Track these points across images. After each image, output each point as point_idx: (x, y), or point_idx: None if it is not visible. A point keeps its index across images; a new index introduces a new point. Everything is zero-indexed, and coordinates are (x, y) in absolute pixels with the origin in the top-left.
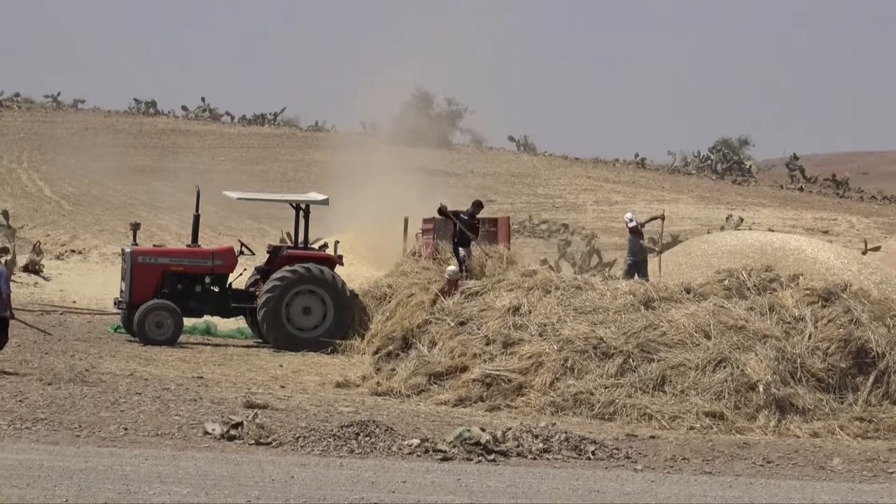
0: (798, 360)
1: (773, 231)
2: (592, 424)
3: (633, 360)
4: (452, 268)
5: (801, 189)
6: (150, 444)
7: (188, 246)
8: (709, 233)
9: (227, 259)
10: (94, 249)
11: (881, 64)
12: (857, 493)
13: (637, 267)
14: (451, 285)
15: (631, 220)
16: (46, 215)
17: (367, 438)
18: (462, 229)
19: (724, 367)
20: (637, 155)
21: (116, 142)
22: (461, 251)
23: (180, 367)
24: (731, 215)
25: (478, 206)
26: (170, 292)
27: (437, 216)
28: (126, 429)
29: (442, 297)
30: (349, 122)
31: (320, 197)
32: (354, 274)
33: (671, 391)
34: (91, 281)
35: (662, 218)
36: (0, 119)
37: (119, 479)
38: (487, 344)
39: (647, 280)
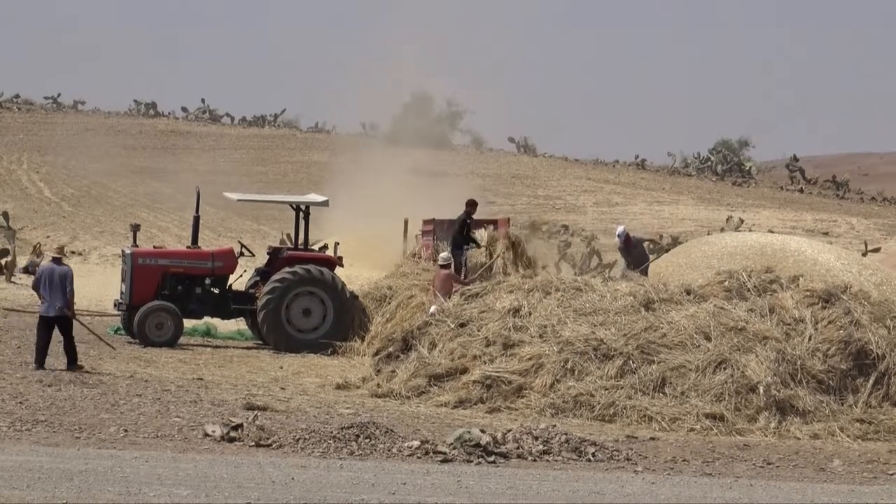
0: (798, 362)
1: (773, 232)
2: (592, 426)
3: (633, 362)
4: (445, 254)
5: (801, 190)
6: (150, 446)
7: (188, 247)
8: (709, 234)
9: (227, 260)
10: (94, 251)
11: (881, 64)
12: (857, 494)
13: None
14: (445, 270)
15: (621, 234)
16: (46, 216)
17: (368, 440)
18: (470, 235)
19: (725, 369)
20: (637, 156)
21: (116, 143)
22: (460, 252)
23: (180, 369)
24: (731, 217)
25: (473, 205)
26: (170, 294)
27: (436, 218)
28: (126, 430)
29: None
30: (349, 124)
31: (320, 198)
32: (354, 275)
33: (671, 393)
34: (91, 282)
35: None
36: (0, 120)
37: (119, 481)
38: (487, 346)
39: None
